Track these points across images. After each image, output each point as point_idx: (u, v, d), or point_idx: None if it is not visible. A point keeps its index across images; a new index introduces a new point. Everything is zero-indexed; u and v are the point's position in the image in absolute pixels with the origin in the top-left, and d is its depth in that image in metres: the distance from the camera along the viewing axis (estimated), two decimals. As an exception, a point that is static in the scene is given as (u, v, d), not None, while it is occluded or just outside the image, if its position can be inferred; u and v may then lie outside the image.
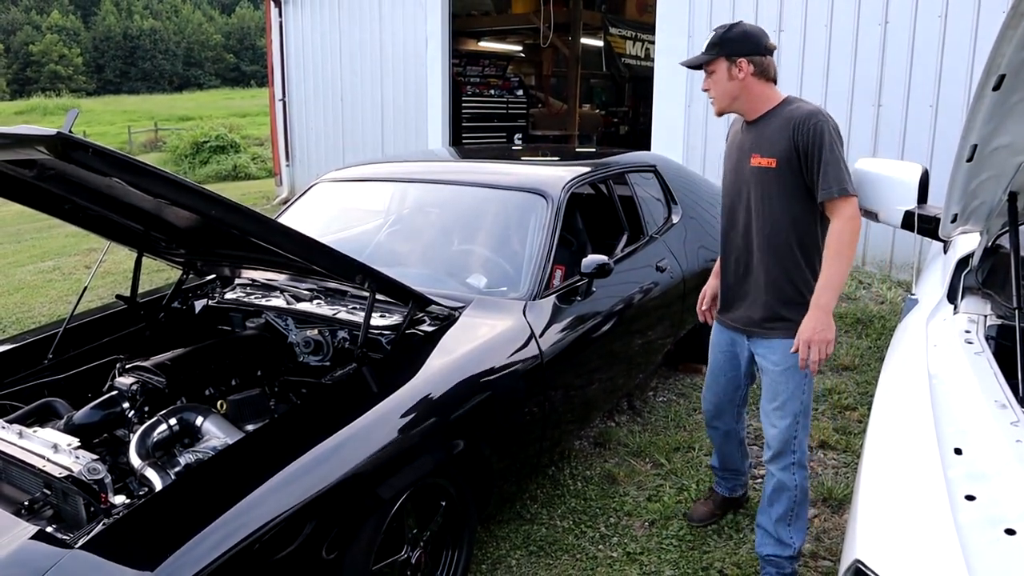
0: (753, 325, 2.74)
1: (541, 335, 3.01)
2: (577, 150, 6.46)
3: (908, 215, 2.54)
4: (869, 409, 4.41)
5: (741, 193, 2.71)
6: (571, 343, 3.18)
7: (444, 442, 2.57)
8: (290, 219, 4.01)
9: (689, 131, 8.04)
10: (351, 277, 2.72)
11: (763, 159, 2.59)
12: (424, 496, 2.58)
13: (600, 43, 14.28)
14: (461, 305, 3.03)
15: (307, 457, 2.21)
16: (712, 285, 3.01)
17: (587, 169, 3.83)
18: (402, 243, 3.73)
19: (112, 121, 40.83)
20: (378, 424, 2.41)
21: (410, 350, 2.84)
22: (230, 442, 2.47)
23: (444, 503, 2.65)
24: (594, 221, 4.38)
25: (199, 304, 3.53)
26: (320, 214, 3.99)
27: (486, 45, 13.92)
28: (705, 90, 2.67)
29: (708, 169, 7.91)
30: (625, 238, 4.01)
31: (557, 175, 3.61)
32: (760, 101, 2.63)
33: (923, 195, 2.54)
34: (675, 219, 4.45)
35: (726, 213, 2.82)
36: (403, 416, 2.46)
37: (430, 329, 2.96)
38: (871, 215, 2.64)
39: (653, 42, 8.41)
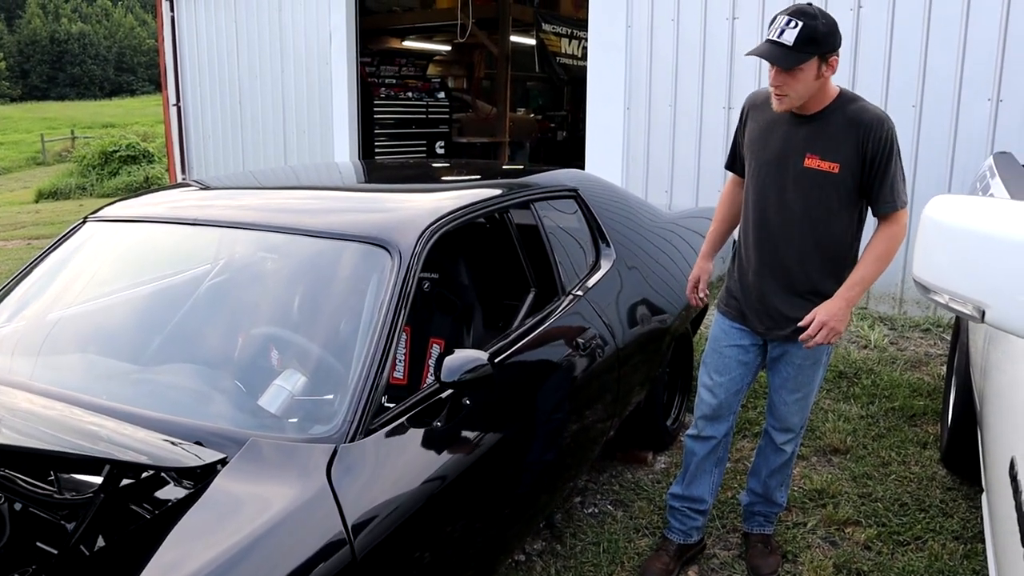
0: (786, 327, 2.54)
1: (357, 510, 1.71)
2: (473, 168, 5.16)
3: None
4: (879, 526, 3.28)
5: (784, 190, 2.44)
6: (425, 503, 1.90)
7: None
8: (41, 271, 2.69)
9: (629, 139, 6.84)
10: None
11: (823, 162, 2.37)
12: None
13: (532, 41, 13.06)
14: (222, 456, 1.73)
15: None
16: (704, 268, 2.84)
17: (465, 202, 2.56)
18: (165, 326, 2.39)
19: (29, 129, 38.71)
20: None
21: (110, 553, 1.55)
22: None
23: None
24: (488, 272, 3.12)
25: None
26: (72, 269, 2.66)
27: (411, 44, 12.62)
28: (776, 87, 2.30)
29: (651, 186, 6.72)
30: (531, 299, 2.77)
31: (414, 212, 2.33)
32: (826, 96, 2.37)
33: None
34: (605, 265, 3.21)
35: (757, 210, 2.52)
36: None
37: (180, 493, 1.68)
38: (963, 308, 1.39)
39: (589, 38, 7.20)
